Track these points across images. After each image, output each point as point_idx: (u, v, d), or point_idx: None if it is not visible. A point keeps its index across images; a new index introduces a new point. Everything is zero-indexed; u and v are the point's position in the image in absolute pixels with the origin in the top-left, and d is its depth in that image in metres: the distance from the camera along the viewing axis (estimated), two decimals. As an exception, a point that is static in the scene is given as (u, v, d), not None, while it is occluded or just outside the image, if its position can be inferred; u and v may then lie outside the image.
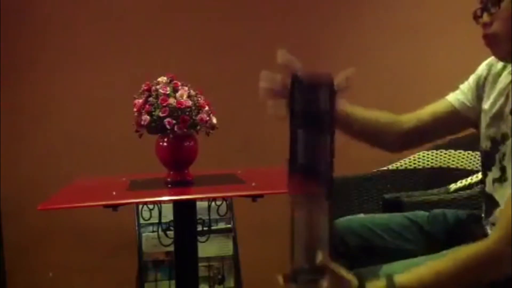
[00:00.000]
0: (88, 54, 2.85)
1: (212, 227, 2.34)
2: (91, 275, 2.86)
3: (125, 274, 2.71)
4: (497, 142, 1.31)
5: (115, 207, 1.58)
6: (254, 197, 1.69)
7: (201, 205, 2.02)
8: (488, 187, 1.35)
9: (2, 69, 2.76)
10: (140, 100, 1.77)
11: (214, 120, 1.82)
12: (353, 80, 1.25)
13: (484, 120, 1.38)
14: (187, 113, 1.73)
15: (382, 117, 1.53)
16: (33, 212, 1.57)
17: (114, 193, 1.71)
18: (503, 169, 1.28)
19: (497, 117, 1.33)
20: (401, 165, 2.71)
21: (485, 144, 1.36)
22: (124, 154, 2.76)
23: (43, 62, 2.84)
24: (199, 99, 1.79)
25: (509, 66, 1.36)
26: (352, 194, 2.79)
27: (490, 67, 1.44)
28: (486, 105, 1.39)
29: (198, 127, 1.77)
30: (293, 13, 2.96)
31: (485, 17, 1.27)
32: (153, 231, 2.51)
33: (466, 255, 1.11)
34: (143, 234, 2.54)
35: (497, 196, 1.32)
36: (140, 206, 2.19)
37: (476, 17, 1.31)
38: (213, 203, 2.09)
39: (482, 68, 1.46)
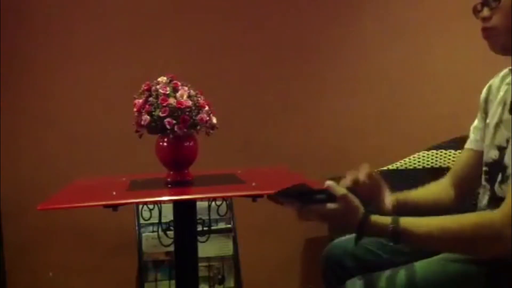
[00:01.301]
0: (88, 54, 2.85)
1: (212, 227, 2.34)
2: (91, 275, 2.86)
3: (125, 274, 2.72)
4: (503, 148, 1.33)
5: (115, 207, 1.58)
6: (254, 197, 1.69)
7: (201, 205, 2.02)
8: (498, 191, 1.36)
9: (2, 69, 2.76)
10: (140, 100, 1.77)
11: (214, 120, 1.82)
12: (374, 175, 1.39)
13: (488, 133, 1.40)
14: (187, 113, 1.73)
15: (429, 193, 1.55)
16: (33, 212, 1.57)
17: (114, 193, 1.71)
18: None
19: (499, 124, 1.35)
20: (401, 165, 2.71)
21: (493, 154, 1.37)
22: (124, 154, 2.76)
23: (43, 62, 2.84)
24: (199, 99, 1.79)
25: (507, 78, 1.40)
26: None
27: (489, 87, 1.48)
28: (488, 119, 1.43)
29: (198, 127, 1.77)
30: (293, 13, 2.96)
31: (485, 11, 1.31)
32: (153, 231, 2.51)
33: (473, 223, 1.14)
34: (143, 234, 2.54)
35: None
36: (140, 206, 2.19)
37: (476, 11, 1.35)
38: (213, 203, 2.09)
39: (482, 94, 1.50)
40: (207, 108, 1.80)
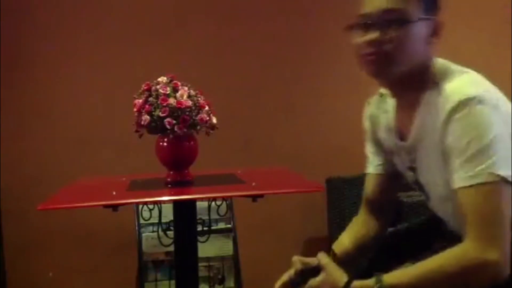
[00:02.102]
0: (89, 54, 2.85)
1: (212, 227, 2.33)
2: (91, 275, 2.86)
3: (125, 274, 2.72)
4: (414, 168, 1.33)
5: (115, 207, 1.58)
6: (254, 197, 1.69)
7: (201, 205, 2.02)
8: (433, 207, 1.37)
9: (2, 69, 2.76)
10: (140, 100, 1.77)
11: (214, 120, 1.82)
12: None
13: (395, 158, 1.39)
14: (187, 113, 1.73)
15: (357, 238, 1.50)
16: (33, 212, 1.57)
17: (114, 193, 1.71)
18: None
19: (398, 151, 1.35)
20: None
21: (410, 175, 1.37)
22: (124, 154, 2.76)
23: (43, 62, 2.85)
24: (199, 99, 1.79)
25: (382, 105, 1.39)
26: (352, 194, 2.80)
27: (370, 117, 1.46)
28: (384, 145, 1.42)
29: (198, 127, 1.77)
30: (293, 13, 2.96)
31: (376, 33, 1.22)
32: (153, 231, 2.51)
33: (451, 256, 1.13)
34: (143, 234, 2.54)
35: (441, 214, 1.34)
36: (140, 206, 2.19)
37: (359, 29, 1.27)
38: (213, 203, 2.09)
39: (366, 124, 1.48)
40: (207, 108, 1.80)
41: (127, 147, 2.64)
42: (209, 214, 2.10)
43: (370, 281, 1.16)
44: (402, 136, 1.33)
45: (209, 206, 2.09)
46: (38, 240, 2.86)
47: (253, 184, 1.81)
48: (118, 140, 2.72)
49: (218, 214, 2.07)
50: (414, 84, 1.25)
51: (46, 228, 2.82)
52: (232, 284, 2.63)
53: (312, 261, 1.29)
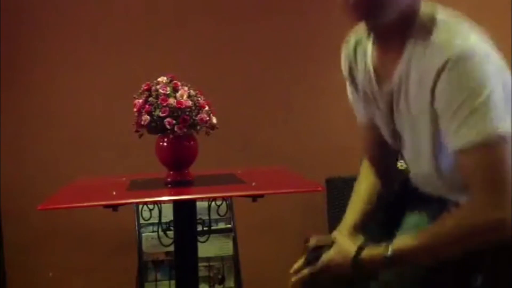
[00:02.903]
0: (88, 54, 2.85)
1: (212, 227, 2.34)
2: (91, 275, 2.86)
3: (125, 274, 2.71)
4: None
5: (115, 207, 1.59)
6: (254, 197, 1.69)
7: (201, 205, 2.02)
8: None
9: (2, 69, 2.76)
10: (140, 100, 1.77)
11: (214, 120, 1.82)
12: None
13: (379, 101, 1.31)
14: (187, 113, 1.73)
15: (367, 203, 1.46)
16: (33, 212, 1.58)
17: (114, 193, 1.72)
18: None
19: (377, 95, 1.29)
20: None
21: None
22: (124, 154, 2.76)
23: (43, 62, 2.84)
24: (199, 99, 1.79)
25: (359, 45, 1.32)
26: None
27: (348, 56, 1.39)
28: (362, 89, 1.36)
29: (198, 127, 1.77)
30: (293, 14, 2.96)
31: None
32: (153, 231, 2.51)
33: (458, 222, 1.11)
34: (143, 234, 2.54)
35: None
36: (140, 206, 2.19)
37: None
38: (213, 203, 2.09)
39: (343, 63, 1.42)
40: (207, 108, 1.80)
41: (127, 147, 2.64)
42: (209, 214, 2.10)
43: (380, 249, 1.15)
44: (381, 83, 1.26)
45: (209, 206, 2.09)
46: (38, 240, 2.86)
47: (253, 184, 1.81)
48: (118, 140, 2.72)
49: (218, 214, 2.08)
50: (400, 29, 1.18)
51: (46, 228, 2.82)
52: (232, 284, 2.63)
53: (327, 238, 1.29)
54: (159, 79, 1.80)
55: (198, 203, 1.92)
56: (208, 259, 2.60)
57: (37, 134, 2.84)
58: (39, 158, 2.84)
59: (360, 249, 1.18)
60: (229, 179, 1.93)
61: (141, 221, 2.40)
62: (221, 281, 2.63)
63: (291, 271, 1.32)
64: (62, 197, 1.77)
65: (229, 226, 2.61)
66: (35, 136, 2.84)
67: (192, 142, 1.81)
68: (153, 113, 1.72)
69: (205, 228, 2.13)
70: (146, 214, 2.07)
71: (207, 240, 2.09)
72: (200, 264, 2.40)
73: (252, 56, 2.93)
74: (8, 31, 2.77)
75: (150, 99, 1.75)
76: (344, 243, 1.23)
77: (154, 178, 1.92)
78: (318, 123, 2.99)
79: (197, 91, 1.82)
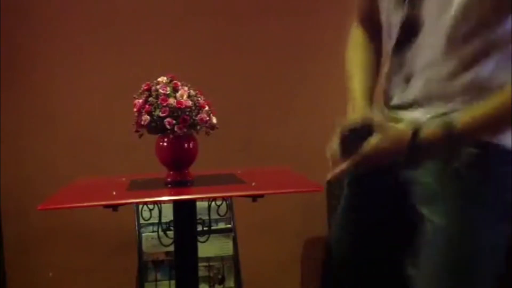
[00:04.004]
0: (88, 54, 2.85)
1: (212, 227, 2.34)
2: (91, 275, 2.86)
3: (125, 274, 2.72)
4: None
5: (115, 207, 1.59)
6: (254, 197, 1.69)
7: (201, 205, 2.02)
8: None
9: (2, 69, 2.76)
10: (140, 100, 1.77)
11: (214, 120, 1.82)
12: None
13: None
14: (187, 113, 1.74)
15: (369, 70, 1.38)
16: (33, 212, 1.58)
17: (114, 193, 1.72)
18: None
19: None
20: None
21: None
22: (124, 154, 2.76)
23: (43, 62, 2.84)
24: (199, 99, 1.79)
25: None
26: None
27: None
28: None
29: (198, 127, 1.78)
30: (294, 13, 2.96)
31: None
32: (153, 231, 2.51)
33: None
34: (143, 234, 2.54)
35: None
36: (140, 206, 2.19)
37: None
38: (213, 203, 2.09)
39: None
40: (207, 108, 1.80)
41: (127, 147, 2.64)
42: (209, 214, 2.10)
43: (439, 124, 1.06)
44: None
45: (209, 206, 2.09)
46: (38, 240, 2.86)
47: (253, 184, 1.81)
48: (118, 140, 2.72)
49: (218, 214, 2.08)
50: None
51: (46, 228, 2.82)
52: (232, 284, 2.63)
53: (360, 120, 1.16)
54: (159, 79, 1.80)
55: (198, 203, 1.92)
56: (208, 259, 2.60)
57: (37, 134, 2.84)
58: (39, 158, 2.84)
59: (416, 128, 1.07)
60: (229, 179, 1.93)
61: (141, 221, 2.40)
62: (221, 281, 2.63)
63: (330, 177, 1.22)
64: (62, 197, 1.77)
65: (229, 226, 2.61)
66: (35, 136, 2.84)
67: (192, 142, 1.81)
68: (153, 113, 1.72)
69: (205, 228, 2.12)
70: (146, 214, 2.07)
71: (207, 240, 2.09)
72: (200, 264, 2.40)
73: (252, 56, 2.93)
74: (8, 31, 2.77)
75: (150, 99, 1.75)
76: (394, 126, 1.10)
77: (154, 178, 1.92)
78: (318, 123, 2.99)
79: (197, 91, 1.82)
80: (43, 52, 2.84)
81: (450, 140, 1.05)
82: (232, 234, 2.61)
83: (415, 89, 1.17)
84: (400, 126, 1.09)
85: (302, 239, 3.00)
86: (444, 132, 1.05)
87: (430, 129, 1.06)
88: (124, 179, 1.95)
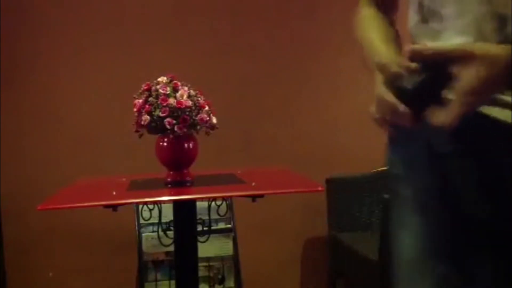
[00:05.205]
0: (88, 54, 2.85)
1: (212, 227, 2.34)
2: (91, 275, 2.86)
3: (125, 274, 2.72)
4: None
5: (115, 207, 1.59)
6: (254, 197, 1.69)
7: (201, 205, 2.02)
8: None
9: (2, 69, 2.76)
10: (140, 100, 1.77)
11: (214, 120, 1.82)
12: None
13: None
14: (187, 113, 1.74)
15: (389, 36, 1.14)
16: (33, 212, 1.58)
17: (114, 193, 1.72)
18: None
19: None
20: None
21: None
22: (124, 154, 2.76)
23: (43, 62, 2.84)
24: (199, 99, 1.80)
25: None
26: (352, 194, 2.80)
27: None
28: None
29: (198, 127, 1.78)
30: (294, 13, 2.96)
31: None
32: (153, 231, 2.51)
33: None
34: (143, 234, 2.54)
35: None
36: (140, 206, 2.19)
37: None
38: (213, 203, 2.09)
39: None
40: (207, 108, 1.80)
41: (127, 147, 2.64)
42: (209, 214, 2.10)
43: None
44: None
45: (209, 206, 2.09)
46: (38, 240, 2.86)
47: (253, 184, 1.81)
48: (118, 140, 2.72)
49: (218, 214, 2.08)
50: None
51: (46, 228, 2.82)
52: (232, 284, 2.63)
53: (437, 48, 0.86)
54: (159, 79, 1.80)
55: (198, 203, 1.92)
56: (208, 259, 2.60)
57: (37, 134, 2.84)
58: (39, 158, 2.84)
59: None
60: (229, 179, 1.93)
61: (141, 221, 2.40)
62: (221, 281, 2.63)
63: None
64: (62, 197, 1.77)
65: (229, 226, 2.61)
66: (34, 136, 2.84)
67: (192, 142, 1.81)
68: (153, 113, 1.72)
69: (205, 228, 2.12)
70: (146, 214, 2.07)
71: (207, 240, 2.09)
72: (200, 264, 2.40)
73: (252, 56, 2.93)
74: (8, 31, 2.77)
75: (150, 99, 1.75)
76: (482, 47, 0.82)
77: (154, 178, 1.92)
78: (318, 123, 2.99)
79: (197, 91, 1.82)
80: (43, 52, 2.84)
81: None
82: (232, 234, 2.61)
83: None
84: (498, 49, 0.82)
85: (302, 239, 3.00)
86: None
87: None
88: (124, 179, 1.96)
